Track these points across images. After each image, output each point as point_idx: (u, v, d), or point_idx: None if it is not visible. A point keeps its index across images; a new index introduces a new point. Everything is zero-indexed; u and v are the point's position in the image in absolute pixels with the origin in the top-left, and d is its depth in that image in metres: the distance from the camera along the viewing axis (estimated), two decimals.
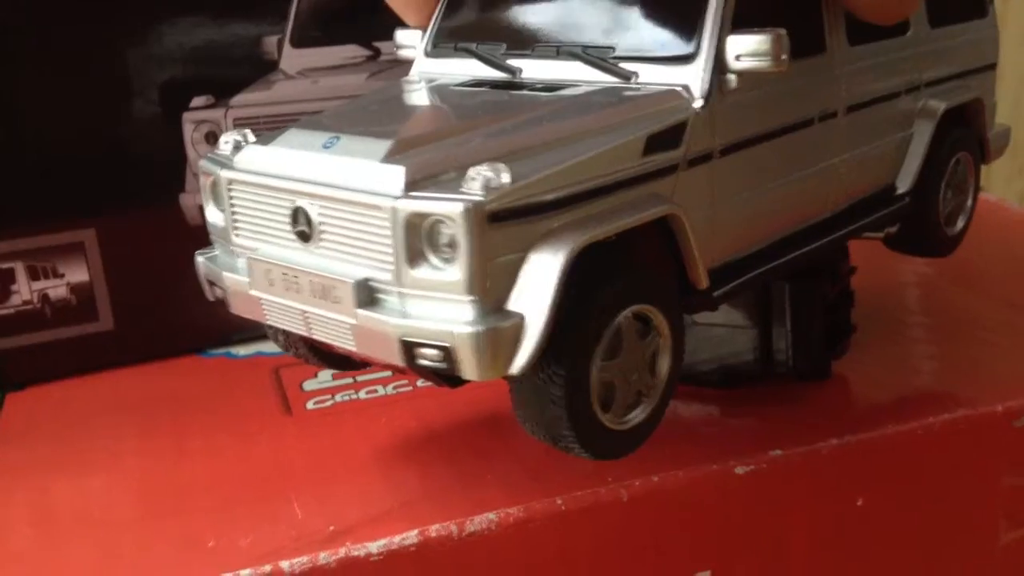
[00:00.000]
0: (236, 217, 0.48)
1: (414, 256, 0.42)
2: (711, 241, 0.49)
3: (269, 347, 0.66)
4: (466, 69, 0.55)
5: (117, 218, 0.60)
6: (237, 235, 0.48)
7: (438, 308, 0.42)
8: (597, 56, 0.51)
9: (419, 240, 0.42)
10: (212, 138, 0.61)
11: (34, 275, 0.59)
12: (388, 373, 0.61)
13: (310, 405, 0.58)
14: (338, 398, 0.59)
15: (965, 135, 0.66)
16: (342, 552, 0.44)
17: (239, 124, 0.62)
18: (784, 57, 0.48)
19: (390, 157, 0.43)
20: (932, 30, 0.63)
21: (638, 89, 0.50)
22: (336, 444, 0.54)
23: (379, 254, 0.43)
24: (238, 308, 0.49)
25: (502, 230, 0.42)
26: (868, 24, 0.55)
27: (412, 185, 0.42)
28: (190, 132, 0.60)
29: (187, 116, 0.60)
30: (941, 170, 0.65)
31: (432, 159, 0.44)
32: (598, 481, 0.48)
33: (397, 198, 0.42)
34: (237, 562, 0.43)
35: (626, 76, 0.50)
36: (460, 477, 0.49)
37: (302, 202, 0.45)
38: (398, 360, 0.43)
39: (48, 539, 0.48)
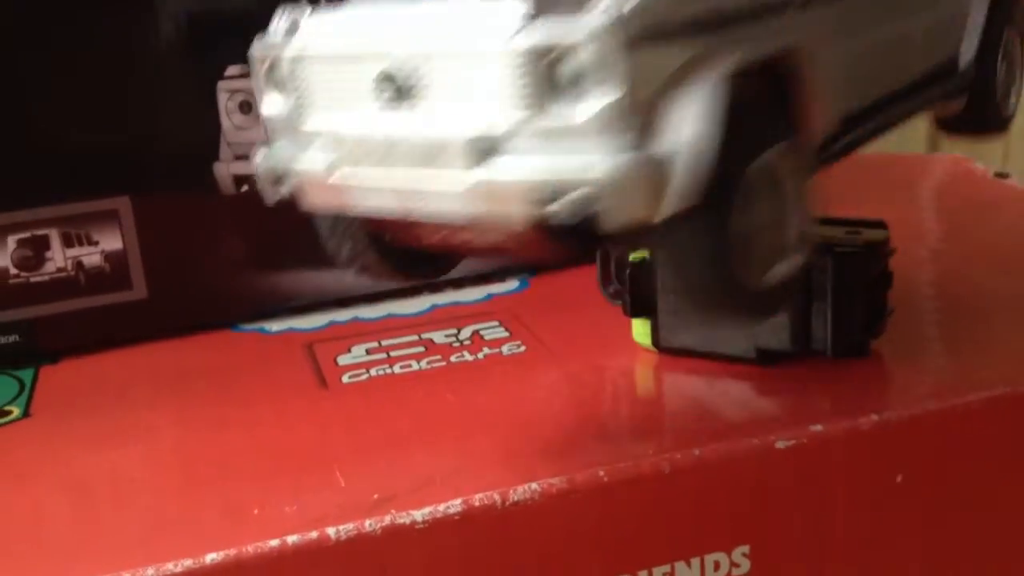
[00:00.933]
0: (306, 98, 0.44)
1: (540, 98, 0.38)
2: (827, 88, 0.45)
3: (302, 323, 0.66)
4: None
5: (151, 186, 0.60)
6: (309, 118, 0.44)
7: (571, 153, 0.38)
8: None
9: (545, 79, 0.38)
10: (247, 107, 0.60)
11: (68, 242, 0.59)
12: (421, 348, 0.61)
13: (345, 379, 0.58)
14: (373, 372, 0.58)
15: (1013, 11, 0.65)
16: (387, 520, 0.44)
17: None
18: None
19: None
20: None
21: None
22: (374, 416, 0.54)
23: (496, 103, 0.39)
24: (314, 200, 0.44)
25: (642, 55, 0.37)
26: None
27: (530, 18, 0.38)
28: (224, 101, 0.60)
29: (221, 85, 0.60)
30: (997, 43, 0.63)
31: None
32: (640, 453, 0.48)
33: (515, 33, 0.38)
34: (283, 529, 0.43)
35: None
36: (501, 448, 0.49)
37: (391, 64, 0.41)
38: (523, 218, 0.39)
39: (89, 511, 0.47)
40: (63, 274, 0.59)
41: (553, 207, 0.38)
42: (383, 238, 0.48)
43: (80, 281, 0.60)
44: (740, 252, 0.42)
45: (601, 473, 0.47)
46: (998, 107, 0.65)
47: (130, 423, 0.55)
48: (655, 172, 0.38)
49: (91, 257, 0.60)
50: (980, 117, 0.64)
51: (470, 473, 0.47)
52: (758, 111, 0.42)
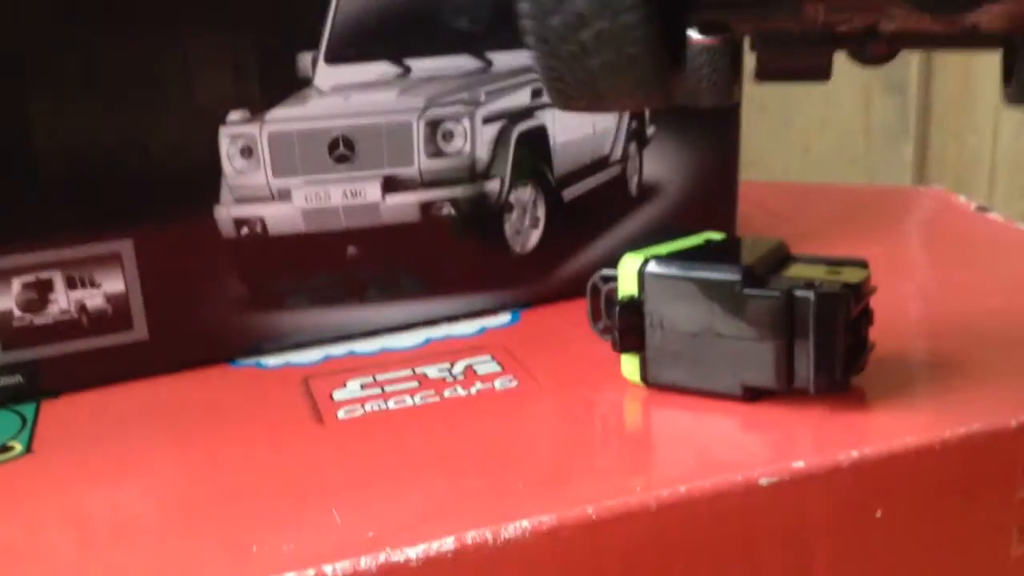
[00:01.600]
0: None
1: None
2: None
3: (298, 357, 0.67)
4: None
5: (154, 229, 0.61)
6: None
7: None
8: None
9: None
10: (247, 152, 0.62)
11: (72, 285, 0.61)
12: (415, 383, 0.62)
13: (341, 415, 0.59)
14: (368, 407, 0.60)
15: None
16: (382, 558, 0.45)
17: (274, 139, 0.63)
18: None
19: None
20: None
21: None
22: (369, 452, 0.55)
23: None
24: None
25: None
26: None
27: None
28: (226, 146, 0.62)
29: (224, 131, 0.62)
30: None
31: None
32: (627, 490, 0.49)
33: None
34: (281, 566, 0.45)
35: None
36: (493, 484, 0.51)
37: None
38: None
39: (88, 547, 0.49)
40: (66, 316, 0.61)
41: None
42: None
43: (83, 323, 0.61)
44: None
45: (590, 510, 0.48)
46: None
47: (130, 459, 0.56)
48: None
49: (94, 299, 0.61)
50: None
51: (463, 510, 0.48)
52: None
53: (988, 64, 1.33)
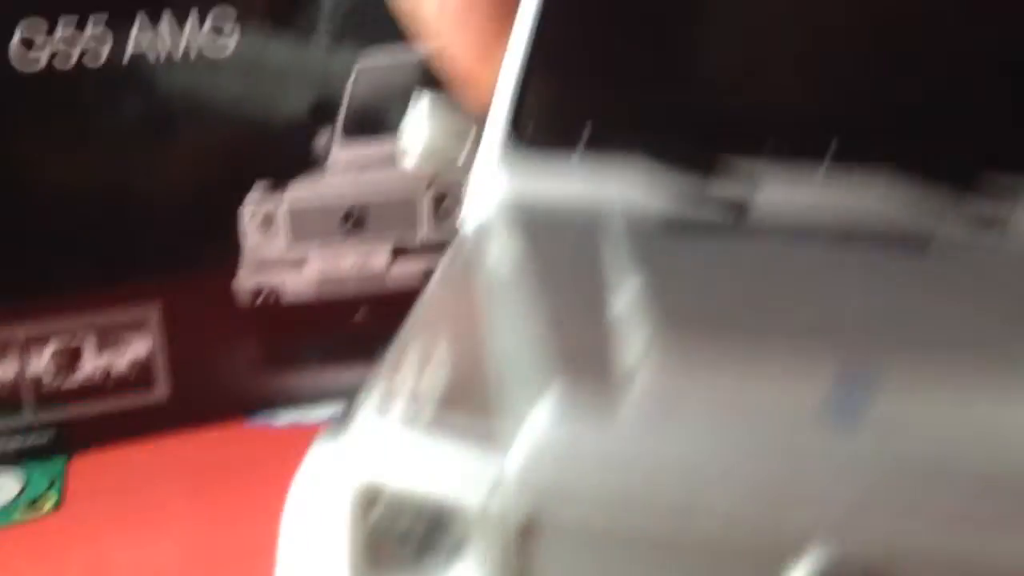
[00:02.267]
0: None
1: None
2: None
3: (307, 416, 0.71)
4: (620, 185, 0.33)
5: (179, 296, 0.65)
6: None
7: None
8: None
9: None
10: (268, 224, 0.67)
11: (101, 348, 0.65)
12: None
13: None
14: None
15: None
16: None
17: (294, 214, 0.68)
18: None
19: None
20: None
21: None
22: None
23: None
24: None
25: None
26: None
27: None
28: (247, 220, 0.66)
29: (245, 205, 0.66)
30: None
31: None
32: None
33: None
34: None
35: None
36: None
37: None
38: None
39: None
40: (95, 377, 0.65)
41: None
42: None
43: (108, 385, 0.65)
44: None
45: None
46: None
47: (154, 514, 0.60)
48: None
49: (120, 362, 0.65)
50: None
51: None
52: None
53: None
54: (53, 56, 0.59)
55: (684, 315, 0.27)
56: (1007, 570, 0.21)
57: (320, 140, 0.68)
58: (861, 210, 0.30)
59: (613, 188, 0.33)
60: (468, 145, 0.36)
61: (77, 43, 0.60)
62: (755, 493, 0.22)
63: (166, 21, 0.61)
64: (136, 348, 0.65)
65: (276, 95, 0.66)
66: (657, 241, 0.31)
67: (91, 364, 0.64)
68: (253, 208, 0.66)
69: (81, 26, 0.60)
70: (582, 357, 0.26)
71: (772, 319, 0.27)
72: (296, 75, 0.66)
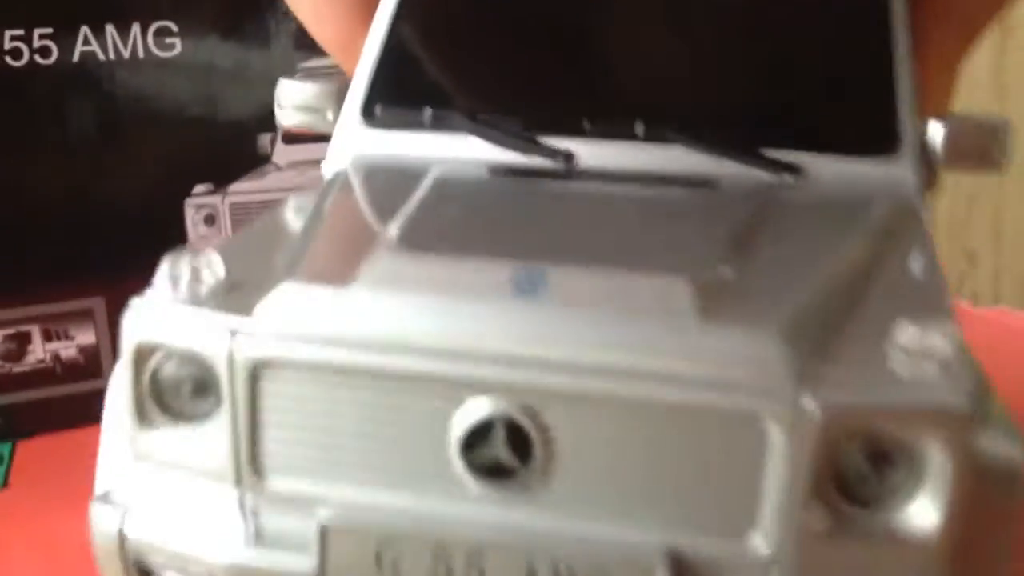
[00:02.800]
0: (274, 433, 0.31)
1: (818, 502, 0.26)
2: None
3: None
4: (457, 151, 0.39)
5: (123, 288, 0.68)
6: (271, 470, 0.31)
7: None
8: (721, 141, 0.36)
9: (831, 470, 0.26)
10: (211, 220, 0.70)
11: (48, 337, 0.68)
12: None
13: None
14: None
15: None
16: None
17: (235, 209, 0.71)
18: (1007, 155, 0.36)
19: (727, 316, 0.28)
20: None
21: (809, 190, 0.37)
22: None
23: (725, 502, 0.27)
24: None
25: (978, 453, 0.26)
26: None
27: (806, 375, 0.26)
28: (191, 215, 0.70)
29: (189, 202, 0.70)
30: None
31: (805, 328, 0.27)
32: None
33: (792, 394, 0.26)
34: None
35: (789, 168, 0.36)
36: None
37: (502, 404, 0.28)
38: None
39: (55, 569, 0.55)
40: (42, 365, 0.68)
41: None
42: None
43: (56, 371, 0.68)
44: None
45: None
46: None
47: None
48: None
49: (67, 350, 0.68)
50: None
51: None
52: None
53: None
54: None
55: (425, 233, 0.34)
56: (632, 401, 0.27)
57: (262, 142, 0.71)
58: (659, 163, 0.38)
59: (445, 151, 0.41)
60: (335, 105, 0.44)
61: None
62: (445, 341, 0.28)
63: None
64: (82, 338, 0.68)
65: (221, 98, 0.69)
66: (455, 187, 0.39)
67: (39, 352, 0.67)
68: (196, 206, 0.70)
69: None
70: (332, 261, 0.34)
71: (498, 233, 0.35)
72: (242, 79, 0.69)
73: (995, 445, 0.27)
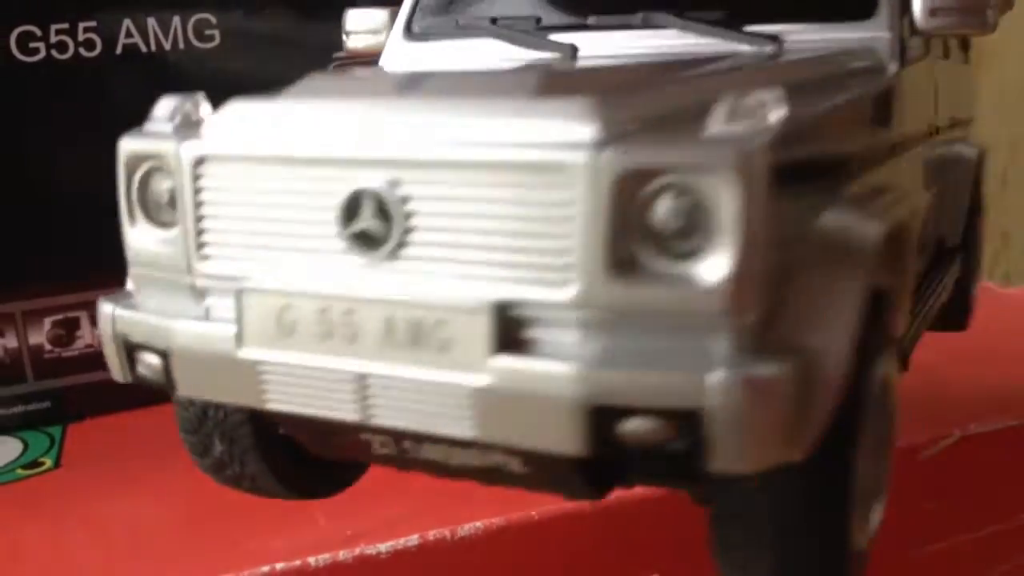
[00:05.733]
0: (211, 223, 0.36)
1: (622, 252, 0.27)
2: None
3: None
4: (480, 54, 0.45)
5: None
6: (210, 256, 0.36)
7: (662, 345, 0.27)
8: (704, 18, 0.41)
9: (637, 223, 0.27)
10: None
11: (96, 323, 0.69)
12: None
13: None
14: None
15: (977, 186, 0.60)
16: (358, 551, 0.54)
17: None
18: (994, 17, 0.37)
19: (557, 94, 0.31)
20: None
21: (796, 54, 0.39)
22: None
23: (544, 255, 0.29)
24: (200, 386, 0.37)
25: (783, 200, 0.27)
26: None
27: (610, 134, 0.28)
28: None
29: None
30: (976, 221, 0.57)
31: (625, 100, 0.30)
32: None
33: (597, 145, 0.28)
34: (272, 558, 0.53)
35: (769, 39, 0.39)
36: (455, 494, 0.59)
37: (371, 179, 0.32)
38: (574, 447, 0.28)
39: (110, 549, 0.57)
40: (90, 350, 0.70)
41: (624, 443, 0.26)
42: (281, 441, 0.44)
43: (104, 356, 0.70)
44: (856, 506, 0.32)
45: (533, 513, 0.57)
46: (971, 294, 0.58)
47: (144, 474, 0.65)
48: (793, 387, 0.26)
49: None
50: (960, 308, 0.56)
51: (427, 514, 0.57)
52: (873, 304, 0.30)
53: None
54: None
55: (373, 71, 0.47)
56: (471, 164, 0.31)
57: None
58: (653, 48, 0.42)
59: (471, 56, 0.47)
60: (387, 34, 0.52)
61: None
62: (335, 133, 0.34)
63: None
64: None
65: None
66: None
67: (87, 337, 0.69)
68: None
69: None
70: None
71: (446, 76, 0.42)
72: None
73: (835, 220, 0.29)
